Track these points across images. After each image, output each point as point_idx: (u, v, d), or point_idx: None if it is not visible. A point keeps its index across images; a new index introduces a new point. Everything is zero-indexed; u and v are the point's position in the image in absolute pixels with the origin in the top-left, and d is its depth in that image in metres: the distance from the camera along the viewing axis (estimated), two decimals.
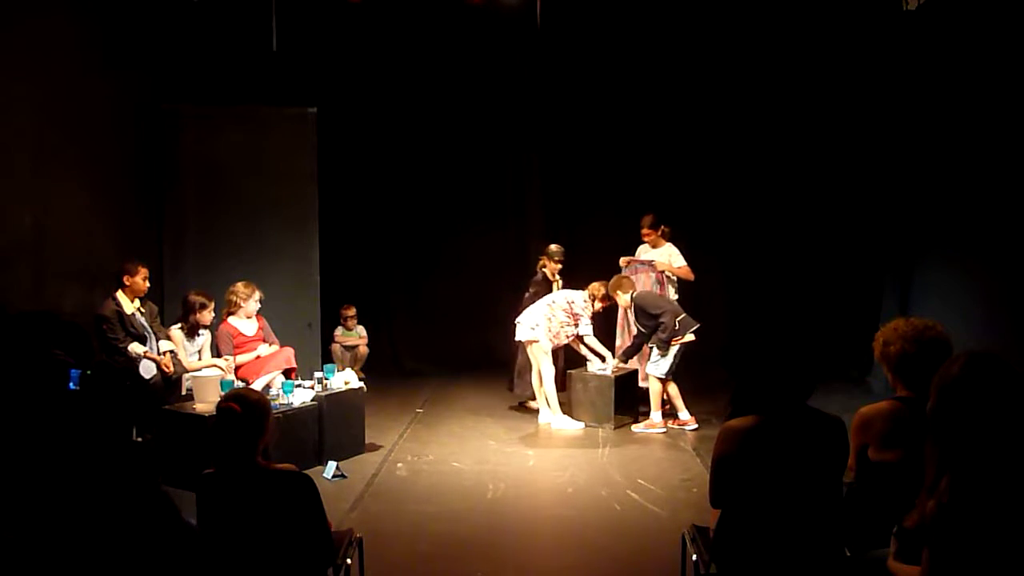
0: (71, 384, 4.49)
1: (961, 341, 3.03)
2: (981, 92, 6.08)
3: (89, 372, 3.97)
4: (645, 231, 7.47)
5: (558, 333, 7.05)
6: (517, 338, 7.18)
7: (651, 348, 6.86)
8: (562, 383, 7.30)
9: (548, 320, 7.01)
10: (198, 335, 6.45)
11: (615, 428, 6.83)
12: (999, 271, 5.87)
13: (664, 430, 6.80)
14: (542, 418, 7.08)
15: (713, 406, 7.24)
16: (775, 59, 8.67)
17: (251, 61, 7.86)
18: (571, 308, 7.06)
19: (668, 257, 7.42)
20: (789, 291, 8.87)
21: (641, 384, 7.29)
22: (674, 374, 6.82)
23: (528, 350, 7.13)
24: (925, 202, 7.17)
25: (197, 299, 6.42)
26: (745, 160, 9.04)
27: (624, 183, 9.19)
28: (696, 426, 6.81)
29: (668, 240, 7.48)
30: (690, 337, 6.74)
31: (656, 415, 6.84)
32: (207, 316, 6.44)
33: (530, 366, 7.22)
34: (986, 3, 5.98)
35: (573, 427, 6.91)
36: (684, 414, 6.87)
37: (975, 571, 2.03)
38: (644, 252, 7.56)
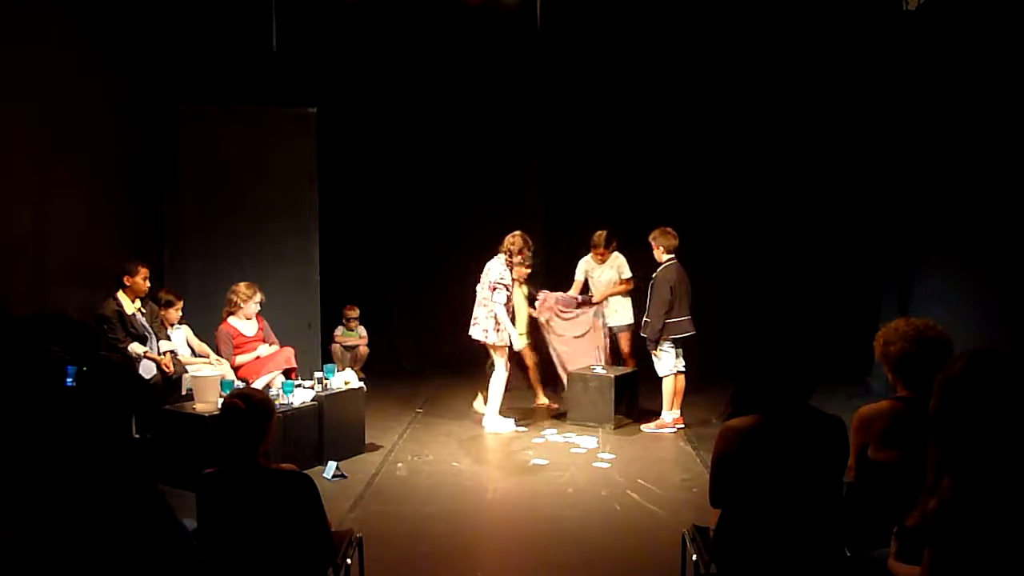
0: (68, 380, 4.48)
1: (961, 342, 3.03)
2: (981, 93, 6.08)
3: (85, 369, 3.97)
4: (601, 250, 7.41)
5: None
6: (488, 343, 6.77)
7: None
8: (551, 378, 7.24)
9: (491, 313, 6.64)
10: (167, 331, 6.41)
11: (615, 428, 6.83)
12: (999, 272, 5.87)
13: (675, 430, 6.79)
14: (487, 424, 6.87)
15: (713, 406, 7.24)
16: (775, 60, 8.67)
17: (251, 61, 7.85)
18: (497, 283, 6.59)
19: (617, 269, 7.46)
20: (789, 292, 8.86)
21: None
22: (685, 371, 6.81)
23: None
24: (925, 203, 7.17)
25: (162, 296, 6.43)
26: (745, 160, 9.03)
27: (624, 184, 9.18)
28: (674, 428, 6.81)
29: (615, 250, 7.52)
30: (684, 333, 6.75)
31: (667, 414, 6.84)
32: (172, 314, 6.43)
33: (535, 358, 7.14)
34: (986, 3, 5.98)
35: (505, 428, 6.73)
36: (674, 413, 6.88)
37: (976, 570, 2.03)
38: (594, 269, 7.51)
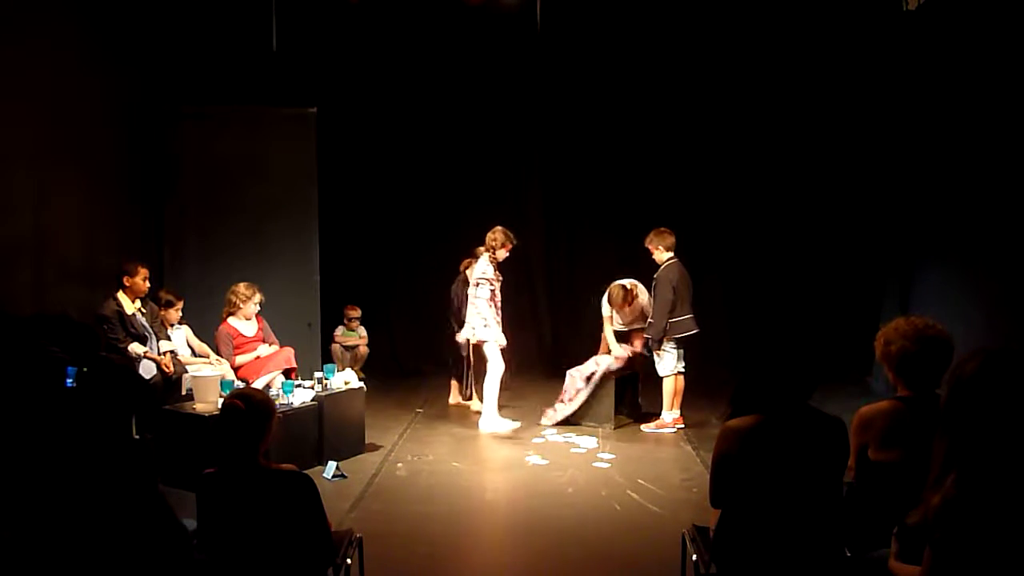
0: (68, 381, 4.48)
1: (961, 341, 3.03)
2: (981, 93, 6.08)
3: (86, 369, 3.98)
4: (620, 304, 6.96)
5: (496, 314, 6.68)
6: (474, 341, 6.79)
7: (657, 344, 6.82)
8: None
9: (478, 311, 6.65)
10: (167, 332, 6.40)
11: (615, 428, 6.83)
12: (999, 272, 5.86)
13: (675, 430, 6.79)
14: (483, 424, 6.80)
15: (713, 406, 7.24)
16: (775, 60, 8.67)
17: (251, 61, 7.86)
18: (480, 278, 6.61)
19: (640, 312, 7.09)
20: (790, 292, 8.86)
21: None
22: (685, 371, 6.78)
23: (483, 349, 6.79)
24: (926, 203, 7.17)
25: (163, 296, 6.43)
26: (746, 160, 9.04)
27: (624, 185, 9.19)
28: (674, 428, 6.79)
29: (636, 297, 7.13)
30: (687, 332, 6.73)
31: (667, 414, 6.83)
32: (172, 314, 6.43)
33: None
34: (986, 3, 5.98)
35: (504, 428, 6.65)
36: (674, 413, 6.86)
37: (978, 568, 2.03)
38: (618, 312, 7.17)
